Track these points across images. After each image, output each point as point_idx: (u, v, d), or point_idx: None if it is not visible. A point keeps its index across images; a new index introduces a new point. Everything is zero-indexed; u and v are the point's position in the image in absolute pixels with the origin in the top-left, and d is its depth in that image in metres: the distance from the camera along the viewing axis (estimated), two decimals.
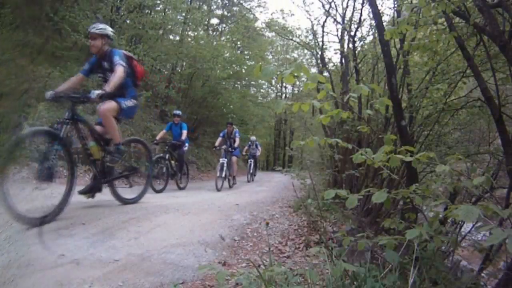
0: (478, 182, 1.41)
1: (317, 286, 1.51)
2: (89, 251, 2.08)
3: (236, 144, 7.64)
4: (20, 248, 1.86)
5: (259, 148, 11.63)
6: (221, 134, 7.82)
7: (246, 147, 11.20)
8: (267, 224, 3.28)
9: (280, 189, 7.31)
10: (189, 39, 11.12)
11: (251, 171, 10.50)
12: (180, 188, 6.61)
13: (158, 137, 6.63)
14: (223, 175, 6.95)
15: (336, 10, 8.60)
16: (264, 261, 2.29)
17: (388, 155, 1.56)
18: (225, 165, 7.06)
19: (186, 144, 6.82)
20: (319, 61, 7.46)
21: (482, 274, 2.70)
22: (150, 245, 2.32)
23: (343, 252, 1.71)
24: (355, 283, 1.41)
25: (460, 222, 3.36)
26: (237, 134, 7.76)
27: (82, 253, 2.02)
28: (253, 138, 11.51)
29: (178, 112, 6.86)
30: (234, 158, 7.70)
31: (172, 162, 6.41)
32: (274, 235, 3.07)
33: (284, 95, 25.29)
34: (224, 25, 17.50)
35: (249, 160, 10.72)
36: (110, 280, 1.72)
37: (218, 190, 6.49)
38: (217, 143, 7.65)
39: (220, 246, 2.55)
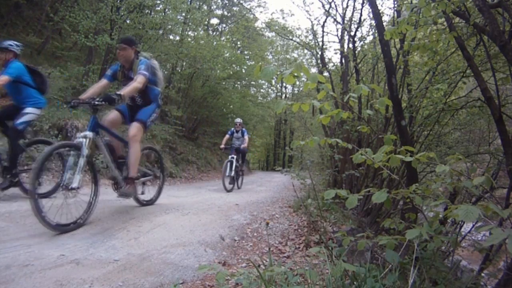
0: (478, 182, 1.41)
1: (317, 286, 1.51)
2: (89, 251, 2.08)
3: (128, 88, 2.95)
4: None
5: (247, 137, 7.29)
6: (110, 70, 3.38)
7: (228, 135, 7.26)
8: (267, 224, 3.28)
9: (280, 189, 7.32)
10: (189, 39, 11.11)
11: (232, 173, 6.38)
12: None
13: None
14: (116, 174, 3.11)
15: (336, 10, 8.69)
16: (264, 261, 2.29)
17: (388, 155, 1.56)
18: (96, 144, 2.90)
19: (27, 109, 3.47)
20: (319, 61, 7.48)
21: (482, 274, 2.70)
22: (150, 245, 2.32)
23: (343, 252, 1.71)
24: (355, 283, 1.41)
25: (460, 222, 3.36)
26: (142, 67, 3.12)
27: (82, 253, 2.02)
28: (238, 120, 7.46)
29: (4, 43, 3.46)
30: (135, 126, 3.15)
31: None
32: (274, 235, 3.07)
33: (284, 95, 25.34)
34: (224, 25, 17.55)
35: (229, 156, 6.64)
36: (110, 280, 1.72)
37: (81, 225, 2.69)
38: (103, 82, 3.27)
39: (220, 246, 2.55)
